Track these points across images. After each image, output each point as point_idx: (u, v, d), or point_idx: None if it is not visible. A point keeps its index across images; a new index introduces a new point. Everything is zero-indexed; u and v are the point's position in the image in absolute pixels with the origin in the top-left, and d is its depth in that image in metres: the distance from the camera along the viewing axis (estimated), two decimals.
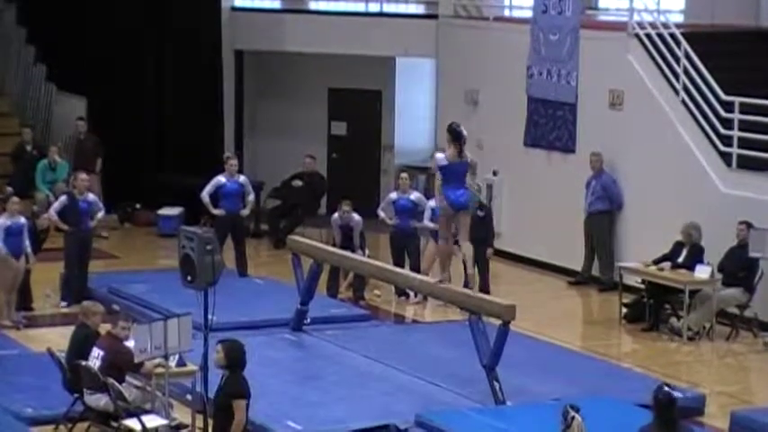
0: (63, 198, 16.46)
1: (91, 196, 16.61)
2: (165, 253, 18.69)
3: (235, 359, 9.45)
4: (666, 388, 8.99)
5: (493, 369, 12.31)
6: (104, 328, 12.11)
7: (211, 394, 11.46)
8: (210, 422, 11.38)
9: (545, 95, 18.88)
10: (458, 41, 20.47)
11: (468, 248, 12.87)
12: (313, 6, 22.90)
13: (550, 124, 18.89)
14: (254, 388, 12.38)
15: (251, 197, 17.87)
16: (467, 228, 12.74)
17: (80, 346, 11.85)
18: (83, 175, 16.83)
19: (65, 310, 15.92)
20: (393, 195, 17.43)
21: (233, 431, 9.25)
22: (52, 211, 16.28)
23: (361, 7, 22.56)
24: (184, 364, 11.84)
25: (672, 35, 17.31)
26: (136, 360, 11.42)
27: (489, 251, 16.83)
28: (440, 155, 12.68)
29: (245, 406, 9.32)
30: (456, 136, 12.53)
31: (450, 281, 13.01)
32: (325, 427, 11.62)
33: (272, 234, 20.22)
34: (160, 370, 11.51)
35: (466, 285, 13.47)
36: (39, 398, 12.38)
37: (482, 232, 16.73)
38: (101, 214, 16.82)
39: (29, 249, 15.51)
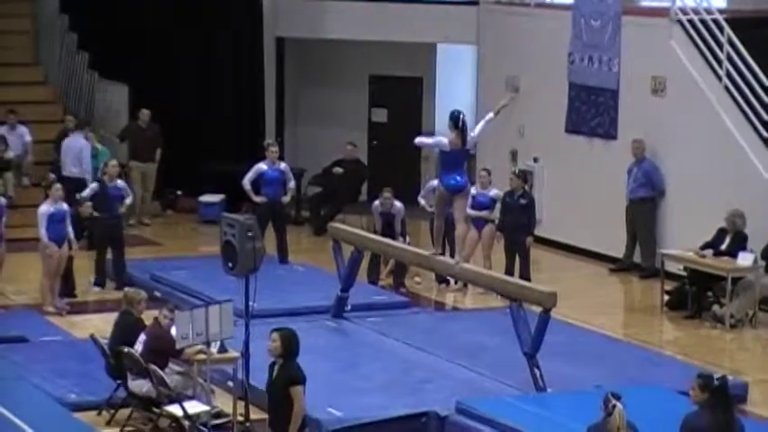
0: (94, 185, 16.65)
1: (120, 182, 16.76)
2: (207, 240, 18.76)
3: (291, 348, 9.32)
4: (717, 375, 8.96)
5: (533, 356, 12.29)
6: (148, 314, 12.17)
7: (253, 381, 11.55)
8: (248, 410, 11.43)
9: (586, 82, 18.80)
10: (499, 28, 20.40)
11: (461, 229, 13.24)
12: None
13: (592, 111, 18.81)
14: None
15: (292, 184, 17.91)
16: (461, 210, 13.17)
17: (123, 333, 11.93)
18: (113, 162, 17.03)
19: (108, 296, 16.00)
20: (434, 182, 17.37)
21: (294, 418, 9.17)
22: (84, 196, 16.39)
23: None
24: (226, 351, 11.88)
25: (715, 21, 17.20)
26: (177, 346, 11.47)
27: (529, 239, 16.78)
28: (444, 140, 12.99)
29: (303, 392, 9.25)
30: (456, 123, 12.82)
31: (442, 255, 13.66)
32: (366, 414, 11.63)
33: (313, 221, 20.25)
34: (201, 356, 11.56)
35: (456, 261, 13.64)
36: (82, 384, 12.47)
37: (523, 219, 16.71)
38: (129, 200, 16.94)
39: (71, 236, 15.63)
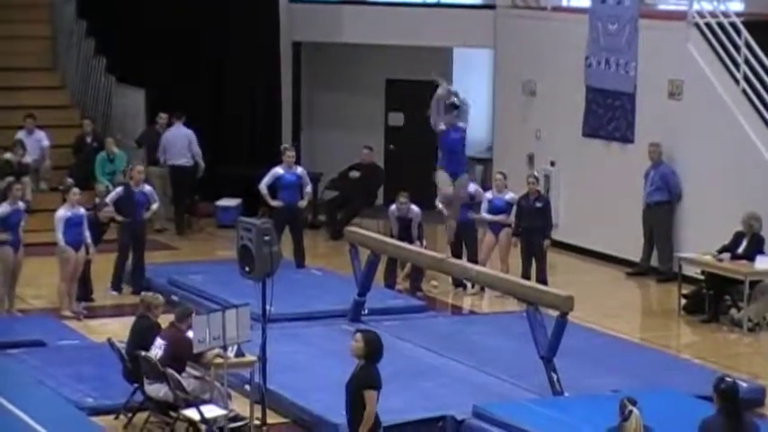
0: (119, 189, 16.64)
1: (147, 188, 16.75)
2: (224, 244, 18.79)
3: (373, 350, 9.24)
4: (729, 379, 8.94)
5: (550, 360, 12.28)
6: (165, 318, 12.20)
7: (270, 385, 11.58)
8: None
9: (603, 85, 18.78)
10: (515, 32, 20.39)
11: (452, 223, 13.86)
12: None
13: (609, 114, 18.79)
14: (312, 379, 12.48)
15: (308, 188, 17.92)
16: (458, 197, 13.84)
17: (140, 337, 11.94)
18: (139, 167, 17.03)
19: (125, 301, 16.03)
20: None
21: (364, 422, 9.15)
22: (108, 200, 16.42)
23: None
24: (243, 355, 11.89)
25: (732, 24, 17.17)
26: (195, 350, 11.48)
27: (546, 242, 16.77)
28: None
29: (376, 397, 9.21)
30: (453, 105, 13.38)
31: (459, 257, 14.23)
32: (383, 418, 11.55)
33: (330, 225, 20.26)
34: (218, 360, 11.58)
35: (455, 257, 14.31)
36: (99, 388, 12.50)
37: (540, 222, 16.70)
38: (155, 206, 16.94)
39: (89, 240, 15.66)
